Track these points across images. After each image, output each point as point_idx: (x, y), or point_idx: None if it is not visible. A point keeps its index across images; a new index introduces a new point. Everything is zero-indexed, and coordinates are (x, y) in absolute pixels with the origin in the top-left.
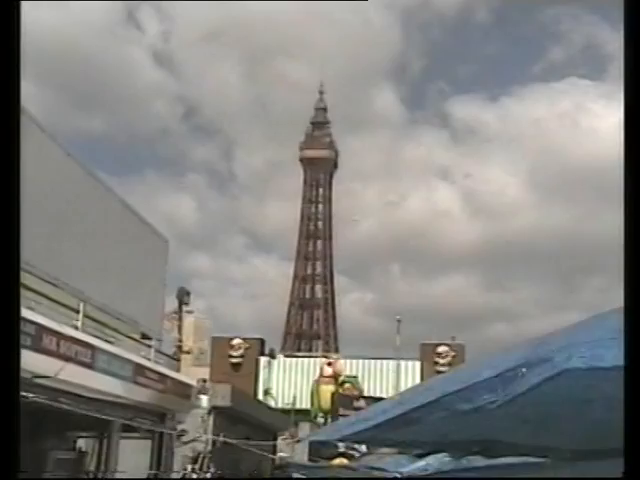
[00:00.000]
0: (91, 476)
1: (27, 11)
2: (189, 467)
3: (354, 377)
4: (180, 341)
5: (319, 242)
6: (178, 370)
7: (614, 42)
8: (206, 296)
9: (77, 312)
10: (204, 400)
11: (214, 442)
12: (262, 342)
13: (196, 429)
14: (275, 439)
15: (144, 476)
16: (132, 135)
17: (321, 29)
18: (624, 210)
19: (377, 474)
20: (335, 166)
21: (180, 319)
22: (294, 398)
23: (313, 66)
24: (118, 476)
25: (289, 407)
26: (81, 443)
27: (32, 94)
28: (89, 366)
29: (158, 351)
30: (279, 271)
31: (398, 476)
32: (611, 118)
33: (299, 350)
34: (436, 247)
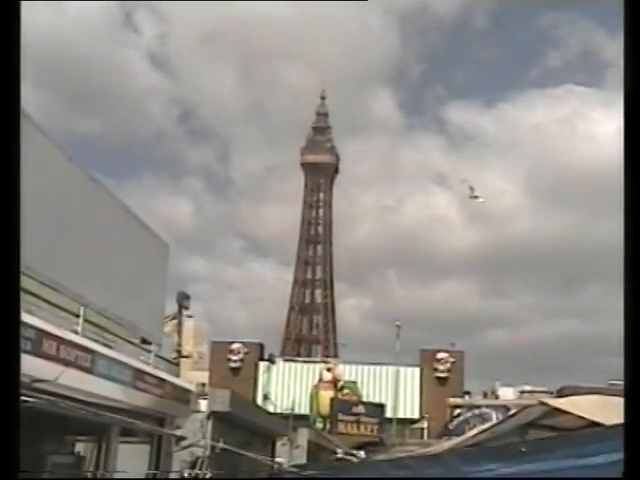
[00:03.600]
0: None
1: (24, 14)
2: (187, 472)
3: (353, 382)
4: (180, 345)
5: (319, 247)
6: (178, 375)
7: (611, 49)
8: (203, 300)
9: (77, 316)
10: (203, 405)
11: (213, 447)
12: (261, 347)
13: (195, 434)
14: (274, 444)
15: None
16: (129, 138)
17: (319, 33)
18: (624, 215)
19: None
20: (336, 171)
21: (180, 323)
22: (293, 403)
23: (311, 71)
24: (117, 476)
25: (288, 412)
26: (79, 447)
27: (29, 97)
28: (89, 371)
29: (158, 356)
30: (277, 275)
31: None
32: (609, 125)
33: (298, 355)
34: (433, 253)
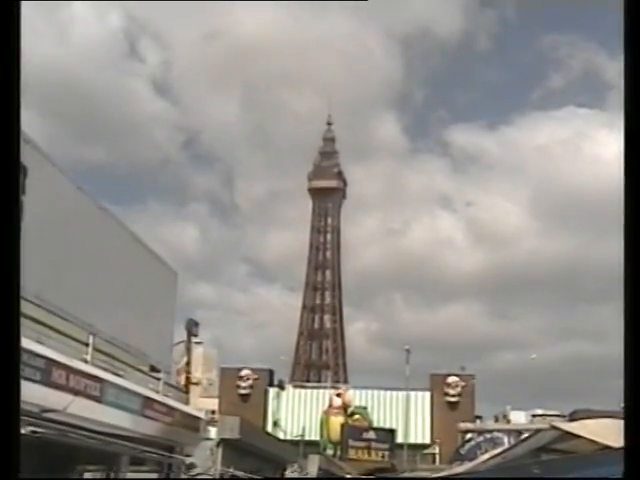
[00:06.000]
0: None
1: (29, 44)
2: None
3: (363, 408)
4: (189, 373)
5: (328, 272)
6: (187, 402)
7: (613, 70)
8: (211, 326)
9: (86, 345)
10: (213, 432)
11: (222, 475)
12: (271, 373)
13: (204, 461)
14: (284, 471)
15: None
16: (134, 165)
17: (323, 58)
18: (624, 234)
19: None
20: (343, 196)
21: (189, 350)
22: (303, 429)
23: (316, 96)
24: None
25: (298, 438)
26: (89, 477)
27: (36, 125)
28: (98, 400)
29: (167, 383)
30: (284, 301)
31: None
32: (612, 146)
33: (308, 381)
34: (440, 275)
